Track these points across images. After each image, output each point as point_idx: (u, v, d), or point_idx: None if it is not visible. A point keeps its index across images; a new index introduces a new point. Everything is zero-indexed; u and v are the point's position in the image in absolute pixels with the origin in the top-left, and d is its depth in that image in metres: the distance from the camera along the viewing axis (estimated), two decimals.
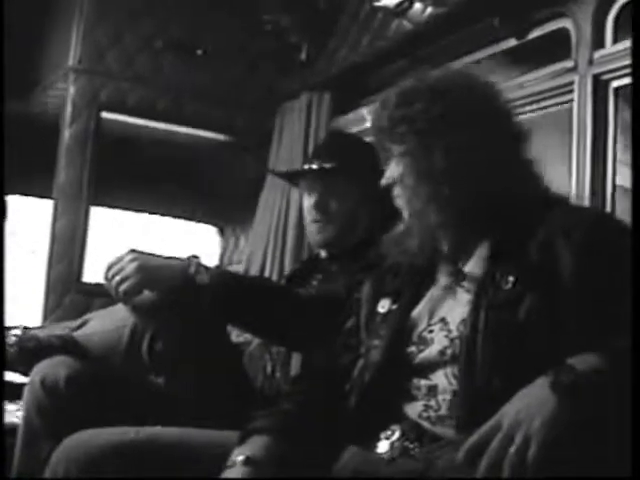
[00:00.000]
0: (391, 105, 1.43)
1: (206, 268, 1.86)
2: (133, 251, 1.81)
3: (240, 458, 1.35)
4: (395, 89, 1.47)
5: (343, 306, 1.85)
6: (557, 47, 2.46)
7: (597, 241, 1.28)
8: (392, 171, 1.44)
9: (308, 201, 2.17)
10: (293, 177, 2.35)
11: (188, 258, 1.86)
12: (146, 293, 1.80)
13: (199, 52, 3.44)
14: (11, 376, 2.01)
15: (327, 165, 2.16)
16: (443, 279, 1.44)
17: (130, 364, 1.82)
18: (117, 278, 1.77)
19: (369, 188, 2.10)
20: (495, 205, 1.37)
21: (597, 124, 2.26)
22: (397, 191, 1.44)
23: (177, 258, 1.86)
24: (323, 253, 2.23)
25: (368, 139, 2.69)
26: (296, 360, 2.08)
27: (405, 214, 1.44)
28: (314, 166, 2.19)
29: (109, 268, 1.80)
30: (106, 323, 1.88)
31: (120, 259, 1.80)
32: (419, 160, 1.39)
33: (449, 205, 1.38)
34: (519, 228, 1.34)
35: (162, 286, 1.80)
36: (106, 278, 1.80)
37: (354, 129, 3.23)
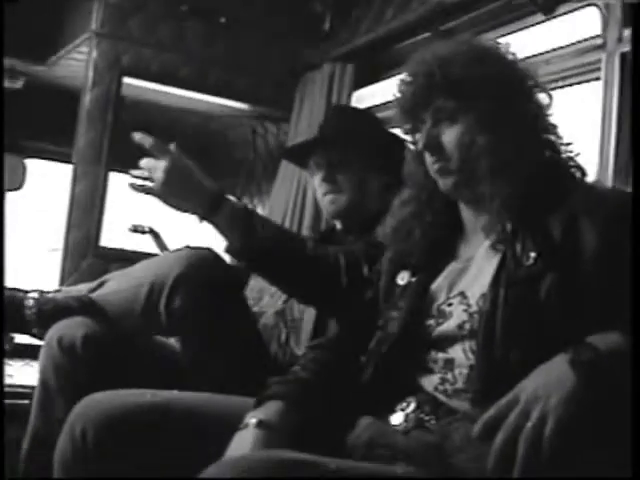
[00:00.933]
0: (441, 62, 1.40)
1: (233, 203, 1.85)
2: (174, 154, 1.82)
3: (253, 421, 1.36)
4: (430, 50, 1.45)
5: (361, 268, 1.86)
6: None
7: (619, 221, 1.27)
8: (435, 133, 1.41)
9: (317, 177, 2.18)
10: (300, 155, 2.34)
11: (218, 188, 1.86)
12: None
13: (222, 20, 3.42)
14: (29, 339, 2.02)
15: (328, 134, 2.19)
16: (474, 250, 1.42)
17: (147, 324, 1.83)
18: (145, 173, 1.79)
19: (376, 157, 2.12)
20: (518, 172, 1.36)
21: (623, 103, 2.23)
22: (439, 155, 1.41)
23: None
24: (339, 225, 2.24)
25: (388, 111, 2.71)
26: (308, 328, 2.08)
27: (445, 181, 1.42)
28: (316, 137, 2.21)
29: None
30: (123, 284, 1.88)
31: (151, 162, 1.82)
32: (486, 121, 1.38)
33: (506, 170, 1.37)
34: (542, 202, 1.33)
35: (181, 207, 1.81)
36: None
37: (376, 101, 3.21)
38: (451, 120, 1.40)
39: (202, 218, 1.81)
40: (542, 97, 1.43)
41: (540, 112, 1.41)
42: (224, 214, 1.81)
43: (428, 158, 1.44)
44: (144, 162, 1.80)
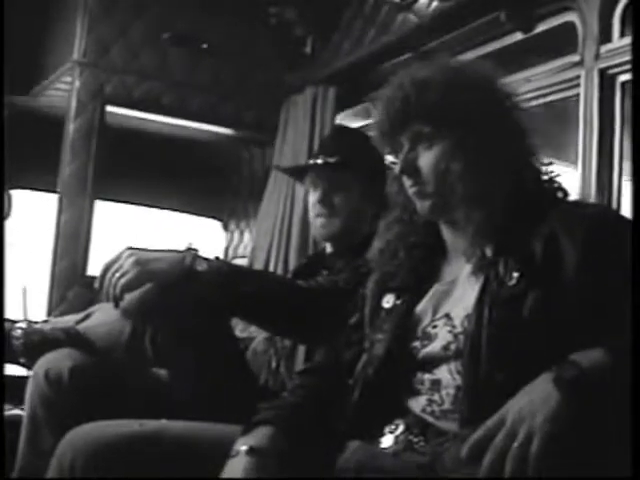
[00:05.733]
0: (418, 86, 1.40)
1: (204, 258, 1.87)
2: (130, 248, 1.82)
3: (244, 448, 1.35)
4: (407, 74, 1.44)
5: (345, 298, 1.87)
6: (564, 41, 2.46)
7: (601, 238, 1.27)
8: (412, 157, 1.41)
9: (313, 196, 2.18)
10: (298, 173, 2.35)
11: (185, 250, 1.87)
12: (132, 295, 1.80)
13: (204, 46, 3.44)
14: (16, 369, 2.02)
15: (331, 160, 2.17)
16: (457, 271, 1.43)
17: (133, 356, 1.82)
18: (116, 275, 1.77)
19: (373, 183, 2.11)
20: (501, 200, 1.36)
21: (603, 119, 2.25)
22: (415, 179, 1.42)
23: (175, 250, 1.87)
24: (329, 248, 2.24)
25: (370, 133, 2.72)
26: (301, 355, 2.08)
27: (422, 204, 1.42)
28: (319, 161, 2.19)
29: (107, 268, 1.80)
30: (109, 315, 1.87)
31: (117, 257, 1.81)
32: (461, 148, 1.38)
33: (481, 197, 1.37)
34: (523, 223, 1.33)
35: (161, 277, 1.80)
36: (102, 279, 1.80)
37: (359, 123, 3.22)
38: (428, 145, 1.40)
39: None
40: (522, 118, 1.43)
41: (519, 134, 1.41)
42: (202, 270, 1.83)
43: (406, 181, 1.44)
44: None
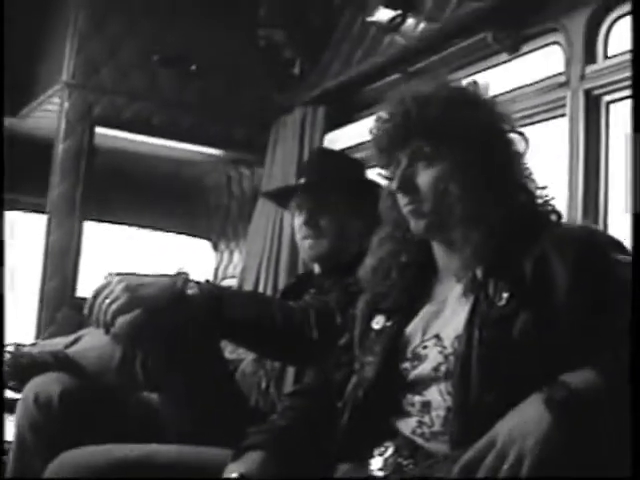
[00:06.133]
0: (419, 103, 1.40)
1: (195, 282, 1.87)
2: (119, 274, 1.82)
3: (234, 475, 1.35)
4: (408, 90, 1.44)
5: (334, 318, 1.87)
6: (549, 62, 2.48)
7: (591, 259, 1.27)
8: (410, 175, 1.40)
9: (298, 219, 2.18)
10: (282, 196, 2.35)
11: (176, 274, 1.87)
12: (122, 319, 1.80)
13: (193, 67, 3.44)
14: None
15: (313, 180, 2.18)
16: (448, 291, 1.43)
17: (123, 380, 1.82)
18: (107, 301, 1.77)
19: (358, 202, 2.12)
20: (491, 221, 1.36)
21: (589, 139, 2.26)
22: (412, 197, 1.41)
23: (165, 275, 1.87)
24: (317, 268, 2.24)
25: (360, 153, 2.73)
26: (290, 376, 2.08)
27: (417, 223, 1.42)
28: (301, 181, 2.20)
29: (97, 293, 1.80)
30: (99, 339, 1.87)
31: (107, 283, 1.81)
32: (461, 168, 1.37)
33: (479, 218, 1.36)
34: (514, 244, 1.33)
35: (151, 303, 1.80)
36: (92, 305, 1.80)
37: (348, 143, 3.24)
38: (427, 163, 1.39)
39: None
40: (517, 141, 1.43)
41: (516, 157, 1.41)
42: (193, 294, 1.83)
43: (401, 199, 1.43)
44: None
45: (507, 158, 1.40)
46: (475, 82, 1.49)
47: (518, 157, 1.41)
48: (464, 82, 1.50)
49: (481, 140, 1.38)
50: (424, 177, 1.39)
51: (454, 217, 1.37)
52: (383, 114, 1.45)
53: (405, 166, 1.41)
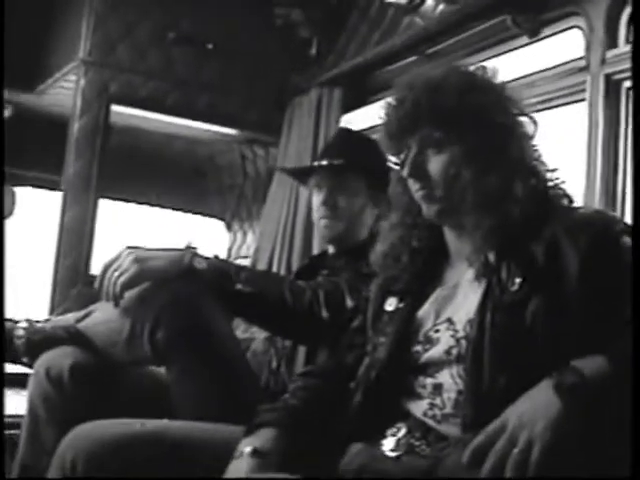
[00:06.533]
0: (430, 89, 1.39)
1: (203, 257, 1.89)
2: (129, 247, 1.84)
3: (248, 449, 1.36)
4: (418, 75, 1.44)
5: (343, 299, 1.88)
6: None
7: (604, 245, 1.27)
8: (421, 161, 1.40)
9: (317, 198, 2.19)
10: (302, 174, 2.35)
11: (185, 248, 1.88)
12: (131, 293, 1.82)
13: (210, 46, 3.43)
14: (17, 367, 2.02)
15: (336, 162, 2.17)
16: (459, 275, 1.42)
17: (132, 354, 1.82)
18: (116, 273, 1.79)
19: (377, 185, 2.12)
20: (502, 205, 1.36)
21: (609, 124, 2.24)
22: (423, 183, 1.40)
23: (174, 249, 1.88)
24: (331, 249, 2.24)
25: (376, 135, 2.72)
26: (301, 356, 2.08)
27: (429, 208, 1.41)
28: (324, 162, 2.19)
29: (107, 267, 1.82)
30: (109, 313, 1.87)
31: (117, 256, 1.83)
32: (473, 153, 1.37)
33: (490, 203, 1.36)
34: (526, 229, 1.33)
35: (160, 275, 1.82)
36: (102, 278, 1.83)
37: (364, 125, 3.22)
38: (437, 149, 1.39)
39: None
40: (527, 124, 1.42)
41: (526, 141, 1.41)
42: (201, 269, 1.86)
43: (413, 184, 1.43)
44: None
45: (516, 142, 1.39)
46: (484, 67, 1.47)
47: (527, 140, 1.41)
48: (472, 67, 1.48)
49: (490, 125, 1.37)
50: (435, 163, 1.39)
51: (466, 202, 1.37)
52: (392, 100, 1.45)
53: (415, 152, 1.41)
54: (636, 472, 1.06)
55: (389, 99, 1.46)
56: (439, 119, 1.38)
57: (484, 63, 1.60)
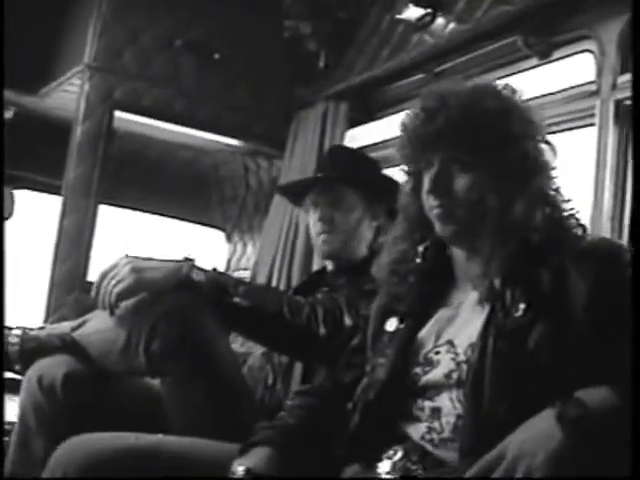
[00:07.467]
0: (467, 111, 1.36)
1: (201, 269, 1.88)
2: (127, 256, 1.82)
3: (241, 469, 1.35)
4: (451, 91, 1.40)
5: (342, 316, 1.86)
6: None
7: (610, 273, 1.26)
8: (446, 179, 1.37)
9: (314, 215, 2.18)
10: (297, 191, 2.34)
11: (183, 260, 1.87)
12: (127, 303, 1.80)
13: (216, 56, 3.42)
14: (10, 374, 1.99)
15: (331, 175, 2.18)
16: (463, 296, 1.41)
17: (126, 364, 1.80)
18: (112, 282, 1.77)
19: (374, 200, 2.11)
20: (510, 229, 1.34)
21: (618, 150, 2.23)
22: (444, 201, 1.37)
23: (172, 260, 1.87)
24: (330, 266, 2.23)
25: (381, 151, 2.71)
26: (298, 373, 2.07)
27: (445, 227, 1.39)
28: (319, 176, 2.22)
29: (103, 275, 1.80)
30: (104, 323, 1.85)
31: (114, 265, 1.81)
32: (499, 179, 1.35)
33: (511, 231, 1.34)
34: (532, 254, 1.31)
35: (157, 286, 1.80)
36: (98, 287, 1.81)
37: (370, 141, 3.21)
38: (462, 168, 1.37)
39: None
40: (547, 151, 1.40)
41: (548, 170, 1.39)
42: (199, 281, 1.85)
43: (431, 201, 1.39)
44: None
45: (539, 170, 1.37)
46: (513, 88, 1.44)
47: (549, 170, 1.39)
48: (500, 86, 1.45)
49: (521, 152, 1.35)
50: (458, 184, 1.37)
51: (486, 226, 1.35)
52: (421, 109, 1.41)
53: (440, 169, 1.38)
54: (636, 472, 1.04)
55: (416, 108, 1.42)
56: (472, 142, 1.36)
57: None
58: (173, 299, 1.80)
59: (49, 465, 1.48)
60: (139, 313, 1.79)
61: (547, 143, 1.40)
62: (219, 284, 1.88)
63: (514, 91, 1.43)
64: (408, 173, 1.48)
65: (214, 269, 1.94)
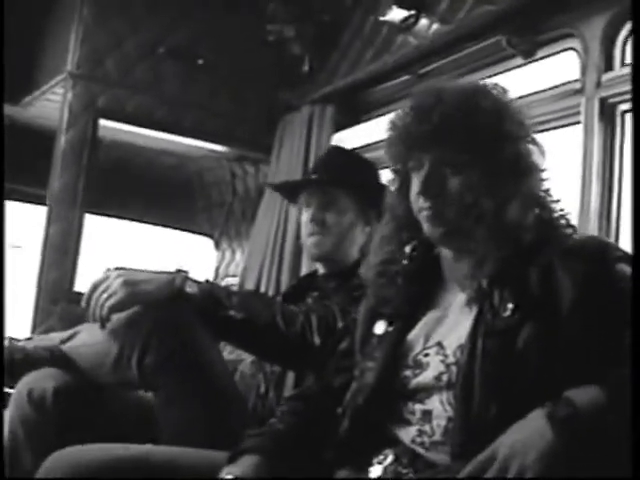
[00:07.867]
0: (463, 110, 1.34)
1: (194, 281, 1.86)
2: (118, 268, 1.80)
3: (229, 477, 1.35)
4: (443, 91, 1.38)
5: (336, 324, 1.85)
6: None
7: (598, 271, 1.26)
8: (437, 181, 1.35)
9: (305, 215, 2.17)
10: (291, 190, 2.33)
11: (175, 272, 1.85)
12: (119, 316, 1.78)
13: (200, 62, 3.41)
14: None
15: (325, 177, 2.16)
16: (451, 298, 1.40)
17: (118, 378, 1.79)
18: (104, 295, 1.75)
19: (367, 203, 2.10)
20: (499, 230, 1.33)
21: (603, 147, 2.23)
22: (435, 203, 1.35)
23: (164, 272, 1.85)
24: (321, 269, 2.22)
25: (368, 154, 2.70)
26: (290, 381, 2.06)
27: (434, 229, 1.37)
28: (313, 176, 2.19)
29: (95, 287, 1.78)
30: (95, 336, 1.84)
31: (106, 277, 1.79)
32: (491, 181, 1.34)
33: (503, 236, 1.33)
34: (522, 255, 1.31)
35: (149, 299, 1.78)
36: (89, 299, 1.79)
37: (356, 144, 3.20)
38: (454, 170, 1.35)
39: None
40: (536, 152, 1.39)
41: (538, 170, 1.38)
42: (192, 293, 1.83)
43: (421, 202, 1.37)
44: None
45: (530, 171, 1.36)
46: (503, 88, 1.42)
47: (538, 170, 1.38)
48: (490, 85, 1.43)
49: (510, 151, 1.34)
50: (450, 186, 1.35)
51: (478, 228, 1.33)
52: (413, 106, 1.39)
53: (431, 170, 1.36)
54: (636, 472, 1.05)
55: (406, 108, 1.40)
56: (467, 142, 1.34)
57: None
58: (166, 313, 1.78)
59: (37, 477, 1.46)
60: (131, 326, 1.77)
61: (536, 144, 1.39)
62: (212, 296, 1.87)
63: (504, 90, 1.41)
64: (396, 172, 1.46)
65: (207, 280, 1.93)
